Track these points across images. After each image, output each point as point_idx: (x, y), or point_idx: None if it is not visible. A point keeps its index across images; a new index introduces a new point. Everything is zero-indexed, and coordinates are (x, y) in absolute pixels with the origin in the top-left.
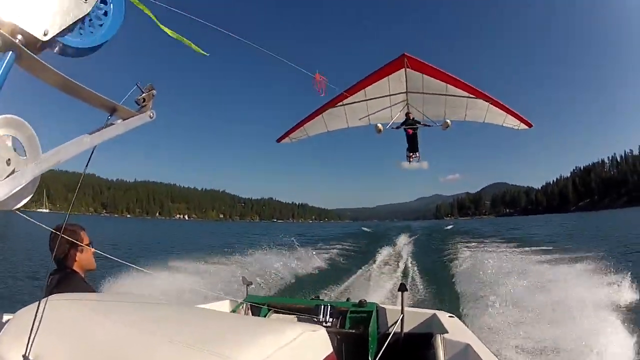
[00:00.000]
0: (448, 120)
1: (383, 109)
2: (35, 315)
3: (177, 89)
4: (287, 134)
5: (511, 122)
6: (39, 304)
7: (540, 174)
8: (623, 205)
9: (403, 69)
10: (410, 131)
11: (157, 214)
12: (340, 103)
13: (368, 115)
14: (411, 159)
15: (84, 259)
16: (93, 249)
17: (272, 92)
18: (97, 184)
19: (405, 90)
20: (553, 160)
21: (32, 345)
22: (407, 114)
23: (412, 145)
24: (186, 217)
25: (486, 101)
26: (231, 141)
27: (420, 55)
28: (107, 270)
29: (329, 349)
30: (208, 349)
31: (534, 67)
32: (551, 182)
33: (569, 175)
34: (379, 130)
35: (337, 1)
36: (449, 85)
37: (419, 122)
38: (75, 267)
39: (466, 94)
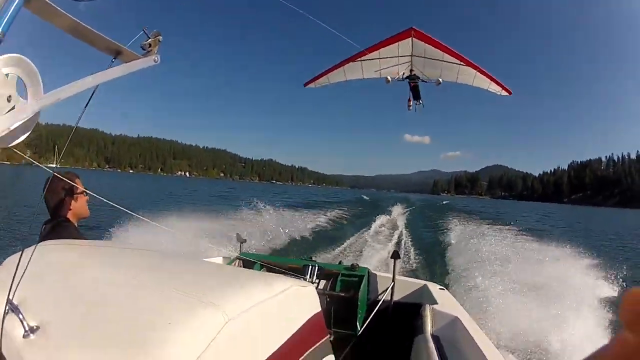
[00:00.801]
0: (440, 79)
1: (392, 66)
2: (20, 261)
3: (182, 38)
4: (312, 80)
5: (494, 88)
6: (28, 249)
7: (541, 163)
8: (614, 204)
9: (410, 38)
10: (412, 84)
11: (159, 170)
12: (359, 59)
13: (380, 70)
14: (410, 107)
15: (78, 206)
16: (87, 197)
17: (279, 47)
18: (101, 139)
19: (410, 54)
20: (554, 151)
21: (15, 289)
22: (410, 71)
23: (415, 94)
24: (187, 174)
25: (474, 69)
26: (236, 98)
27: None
28: (105, 219)
29: (317, 307)
30: (195, 295)
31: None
32: (549, 172)
33: (566, 167)
34: (388, 81)
35: None
36: (445, 54)
37: (419, 78)
38: (68, 216)
39: (458, 61)
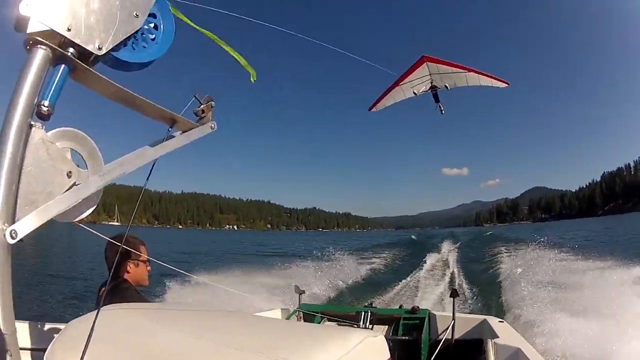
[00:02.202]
0: (447, 85)
1: (420, 84)
2: (93, 325)
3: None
4: (373, 105)
5: (497, 83)
6: (94, 313)
7: (578, 177)
8: None
9: (425, 63)
10: (433, 92)
11: (208, 224)
12: (399, 84)
13: (413, 88)
14: (441, 109)
15: (138, 273)
16: (149, 267)
17: (307, 99)
18: (147, 196)
19: (429, 73)
20: (589, 163)
21: (85, 354)
22: (431, 83)
23: (436, 99)
24: (235, 227)
25: (475, 73)
26: (274, 152)
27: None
28: (161, 280)
29: (387, 354)
30: (276, 355)
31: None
32: (584, 186)
33: (599, 179)
34: (415, 94)
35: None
36: (452, 67)
37: (438, 87)
38: (127, 278)
39: (463, 70)
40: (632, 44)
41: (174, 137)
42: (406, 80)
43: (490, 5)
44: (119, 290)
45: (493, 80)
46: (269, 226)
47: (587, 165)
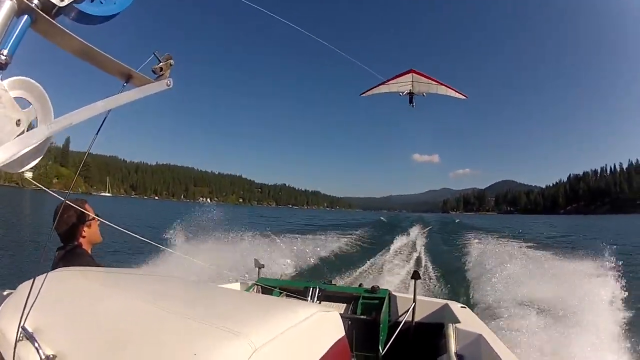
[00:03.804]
0: (423, 93)
1: (403, 86)
2: (32, 287)
3: (187, 62)
4: (366, 92)
5: (458, 95)
6: (40, 276)
7: (549, 175)
8: (605, 212)
9: (411, 74)
10: (410, 95)
11: (182, 196)
12: (388, 83)
13: (398, 87)
14: (412, 104)
15: (92, 233)
16: (98, 222)
17: (283, 78)
18: (124, 167)
19: (411, 81)
20: (561, 163)
21: (27, 316)
22: (410, 89)
23: (411, 100)
24: (209, 200)
25: (445, 86)
26: (244, 123)
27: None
28: (120, 247)
29: (341, 331)
30: (220, 324)
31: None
32: (551, 185)
33: (565, 179)
34: (400, 94)
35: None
36: (427, 79)
37: (415, 93)
38: (81, 241)
39: (434, 82)
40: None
41: (128, 91)
42: (393, 81)
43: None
44: (72, 256)
45: (456, 93)
46: (241, 200)
47: (559, 165)
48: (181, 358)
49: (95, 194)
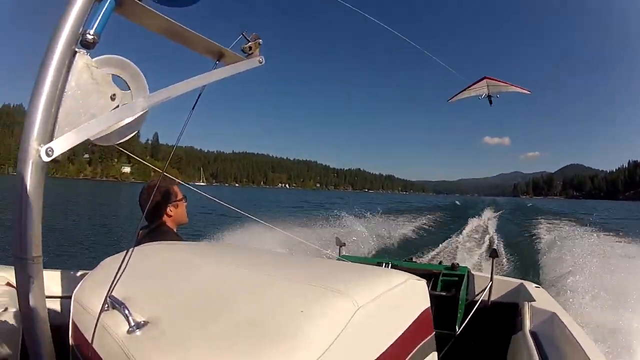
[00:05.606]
0: (497, 95)
1: (480, 90)
2: (122, 260)
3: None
4: (451, 98)
5: (524, 91)
6: (127, 250)
7: (616, 159)
8: None
9: (485, 80)
10: (490, 98)
11: (262, 182)
12: (467, 89)
13: (476, 92)
14: (491, 103)
15: (179, 213)
16: (186, 203)
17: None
18: (203, 157)
19: (486, 85)
20: (628, 145)
21: (114, 287)
22: (487, 92)
23: (490, 102)
24: (287, 185)
25: (512, 85)
26: (318, 108)
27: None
28: (207, 227)
29: (427, 302)
30: (322, 284)
31: None
32: (614, 170)
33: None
34: (479, 97)
35: None
36: (500, 82)
37: (491, 95)
38: (166, 220)
39: (505, 84)
40: None
41: (221, 68)
42: (472, 88)
43: None
44: (157, 233)
45: (522, 90)
46: (318, 185)
47: (625, 147)
48: (288, 313)
49: (191, 183)
